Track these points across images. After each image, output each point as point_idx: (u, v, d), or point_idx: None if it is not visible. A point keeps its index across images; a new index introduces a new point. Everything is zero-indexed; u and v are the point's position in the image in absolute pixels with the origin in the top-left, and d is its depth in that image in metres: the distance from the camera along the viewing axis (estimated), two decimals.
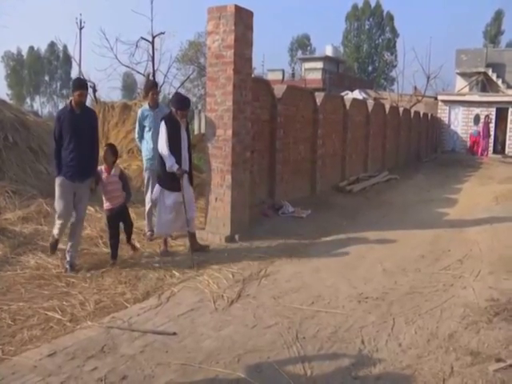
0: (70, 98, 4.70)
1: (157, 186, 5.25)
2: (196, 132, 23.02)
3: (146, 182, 6.00)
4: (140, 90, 16.94)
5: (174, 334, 3.33)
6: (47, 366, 2.86)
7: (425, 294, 4.25)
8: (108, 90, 67.70)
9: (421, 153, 18.76)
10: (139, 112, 5.94)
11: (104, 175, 4.89)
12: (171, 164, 4.97)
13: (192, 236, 5.27)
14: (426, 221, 7.44)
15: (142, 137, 5.93)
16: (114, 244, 4.87)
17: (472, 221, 7.27)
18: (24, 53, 75.09)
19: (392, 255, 5.48)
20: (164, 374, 2.83)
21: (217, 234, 5.79)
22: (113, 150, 5.00)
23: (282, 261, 5.18)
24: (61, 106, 77.50)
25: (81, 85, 4.67)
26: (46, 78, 77.36)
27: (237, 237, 5.83)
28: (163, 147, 4.99)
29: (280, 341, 3.27)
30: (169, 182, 5.06)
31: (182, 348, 3.14)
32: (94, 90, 13.54)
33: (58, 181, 4.62)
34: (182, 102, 5.18)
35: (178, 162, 5.05)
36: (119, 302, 3.86)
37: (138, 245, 5.43)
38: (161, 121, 5.11)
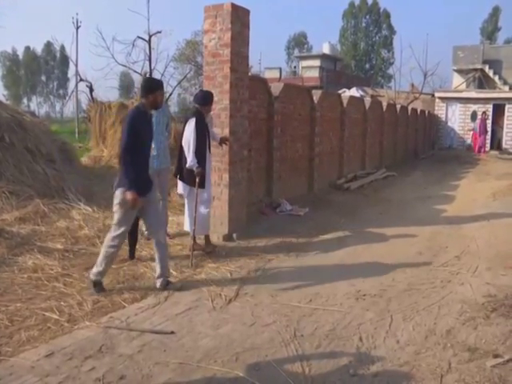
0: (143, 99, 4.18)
1: (185, 186, 5.19)
2: None
3: None
4: (137, 89, 16.89)
5: (172, 333, 3.33)
6: (45, 366, 2.86)
7: (422, 290, 4.25)
8: (105, 89, 67.48)
9: (418, 150, 18.78)
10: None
11: None
12: (193, 163, 4.95)
13: (206, 237, 5.38)
14: (423, 217, 7.45)
15: None
16: (132, 245, 4.83)
17: (469, 217, 7.29)
18: (19, 53, 74.93)
19: (390, 252, 5.49)
20: (162, 373, 2.83)
21: (214, 233, 5.78)
22: None
23: (279, 259, 5.18)
24: (57, 106, 77.58)
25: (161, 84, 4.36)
26: (43, 78, 77.22)
27: (234, 235, 5.83)
28: (190, 145, 4.97)
29: (278, 339, 3.27)
30: (192, 178, 5.05)
31: (179, 347, 3.14)
32: (91, 90, 13.49)
33: None
34: (206, 97, 5.20)
35: (202, 161, 5.05)
36: (117, 301, 3.85)
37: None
38: (191, 117, 5.06)
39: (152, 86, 4.19)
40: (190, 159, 4.97)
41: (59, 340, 3.19)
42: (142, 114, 4.09)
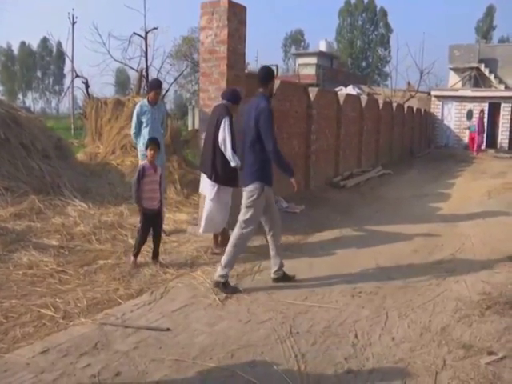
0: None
1: (211, 183, 5.06)
2: (190, 128, 22.98)
3: None
4: (133, 85, 16.84)
5: (168, 329, 3.33)
6: (40, 363, 2.85)
7: (418, 288, 4.27)
8: (101, 85, 67.29)
9: (414, 148, 18.83)
10: (138, 107, 5.82)
11: (150, 171, 4.68)
12: (237, 161, 4.83)
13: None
14: (419, 215, 7.47)
15: (138, 132, 5.83)
16: (140, 245, 4.72)
17: (465, 215, 7.32)
18: (15, 48, 74.45)
19: (385, 250, 5.50)
20: (158, 369, 2.83)
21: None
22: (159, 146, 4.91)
23: None
24: (53, 102, 77.21)
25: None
26: (39, 73, 76.78)
27: (230, 232, 5.81)
28: (227, 144, 4.88)
29: (274, 336, 3.28)
30: (228, 177, 5.02)
31: (175, 344, 3.14)
32: (87, 86, 13.41)
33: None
34: (237, 96, 5.20)
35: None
36: (113, 298, 3.85)
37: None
38: (225, 117, 4.91)
39: (269, 75, 4.27)
40: (233, 158, 4.88)
41: (54, 336, 3.18)
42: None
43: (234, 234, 4.22)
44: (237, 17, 5.77)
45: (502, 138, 20.87)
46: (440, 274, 4.67)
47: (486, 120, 20.29)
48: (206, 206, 5.14)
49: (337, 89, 20.32)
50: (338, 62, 45.05)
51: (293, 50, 63.52)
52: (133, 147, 8.99)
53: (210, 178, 5.05)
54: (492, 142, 20.90)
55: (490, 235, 6.12)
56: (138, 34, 14.63)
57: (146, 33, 14.55)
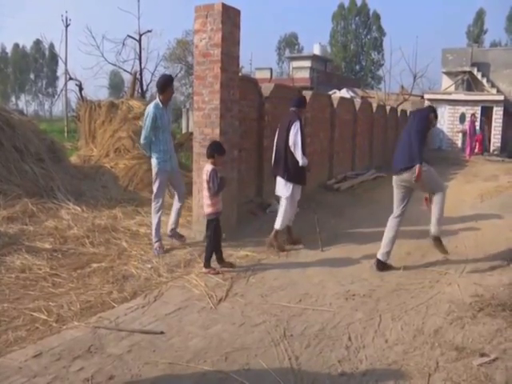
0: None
1: (285, 183, 5.61)
2: (184, 131, 22.95)
3: (158, 186, 5.37)
4: (127, 88, 16.80)
5: (162, 333, 3.32)
6: (33, 367, 2.83)
7: (411, 290, 4.30)
8: (94, 88, 67.09)
9: None
10: (153, 108, 5.20)
11: (218, 175, 4.68)
12: (305, 161, 5.52)
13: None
14: (412, 218, 7.49)
15: (152, 138, 5.28)
16: (213, 251, 4.71)
17: (457, 218, 7.36)
18: (8, 50, 74.09)
19: None
20: (151, 373, 2.82)
21: (204, 233, 5.76)
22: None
23: (269, 259, 5.20)
24: (46, 104, 76.81)
25: None
26: (32, 76, 76.43)
27: (224, 235, 5.79)
28: (298, 144, 5.48)
29: (267, 338, 3.28)
30: (298, 176, 5.65)
31: (169, 347, 3.13)
32: (80, 89, 13.39)
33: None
34: (304, 101, 6.02)
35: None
36: (106, 301, 3.84)
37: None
38: (295, 120, 5.54)
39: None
40: (302, 158, 5.50)
41: (47, 340, 3.17)
42: None
43: None
44: (231, 20, 5.79)
45: (494, 141, 21.02)
46: (433, 276, 4.70)
47: (478, 123, 20.43)
48: (282, 203, 5.68)
49: (331, 92, 20.39)
50: (332, 66, 45.27)
51: (287, 53, 63.70)
52: (127, 150, 8.98)
53: (282, 177, 5.62)
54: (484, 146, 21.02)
55: (482, 238, 6.16)
56: (132, 37, 14.68)
57: (140, 36, 14.59)
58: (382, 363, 2.99)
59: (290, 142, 5.50)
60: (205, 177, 4.66)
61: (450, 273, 4.79)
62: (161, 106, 5.27)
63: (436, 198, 4.91)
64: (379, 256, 4.89)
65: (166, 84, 5.33)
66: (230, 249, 5.44)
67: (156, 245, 5.26)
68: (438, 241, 4.92)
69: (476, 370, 2.88)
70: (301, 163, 5.52)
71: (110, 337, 3.24)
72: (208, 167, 4.67)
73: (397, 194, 5.02)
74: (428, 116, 5.08)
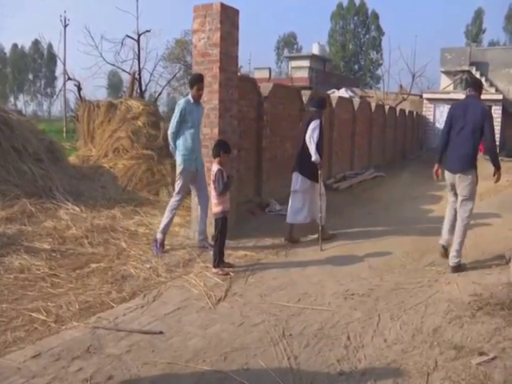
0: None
1: (302, 179, 5.87)
2: None
3: (180, 186, 5.29)
4: (126, 88, 16.78)
5: (161, 333, 3.32)
6: (31, 367, 2.83)
7: (410, 289, 4.30)
8: (93, 88, 67.01)
9: (406, 150, 18.94)
10: (183, 103, 5.18)
11: (225, 174, 4.67)
12: (317, 158, 5.73)
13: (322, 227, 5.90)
14: (411, 217, 7.52)
15: (178, 133, 5.22)
16: (222, 251, 4.75)
17: None
18: (6, 50, 73.99)
19: (377, 251, 5.53)
20: (150, 373, 2.82)
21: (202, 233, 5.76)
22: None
23: (268, 259, 5.20)
24: (45, 104, 76.75)
25: None
26: (30, 76, 76.33)
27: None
28: (314, 140, 5.70)
29: (267, 338, 3.28)
30: (311, 172, 5.84)
31: (168, 347, 3.13)
32: (79, 89, 13.37)
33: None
34: (324, 102, 6.23)
35: (321, 156, 5.85)
36: (105, 301, 3.83)
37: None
38: (316, 118, 5.78)
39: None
40: (315, 154, 5.69)
41: (46, 341, 3.16)
42: None
43: None
44: (229, 20, 5.78)
45: None
46: (432, 275, 4.70)
47: None
48: (300, 199, 5.91)
49: (329, 92, 20.41)
50: (331, 65, 45.32)
51: (285, 52, 63.69)
52: (125, 150, 8.98)
53: (301, 173, 5.86)
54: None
55: (481, 237, 6.17)
56: (130, 37, 14.63)
57: (139, 35, 14.54)
58: (381, 362, 2.99)
59: (307, 137, 5.72)
60: (212, 176, 4.68)
61: (449, 272, 4.79)
62: (192, 101, 5.23)
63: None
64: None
65: (193, 80, 5.31)
66: (228, 248, 5.43)
67: (159, 239, 5.21)
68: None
69: (475, 369, 2.89)
70: (313, 158, 5.70)
71: (109, 337, 3.24)
72: (214, 167, 4.68)
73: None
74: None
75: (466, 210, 4.88)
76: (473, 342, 3.24)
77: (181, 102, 5.24)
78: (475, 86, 5.16)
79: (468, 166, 4.86)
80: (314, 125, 5.73)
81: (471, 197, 4.87)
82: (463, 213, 4.89)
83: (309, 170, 5.82)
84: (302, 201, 5.93)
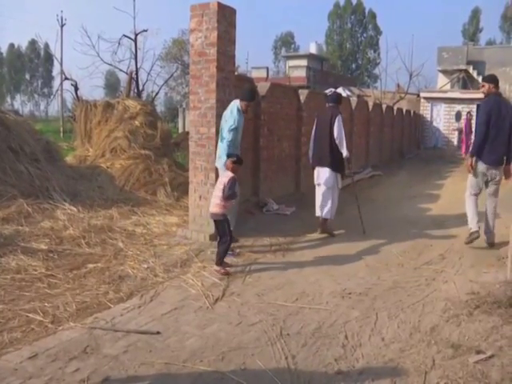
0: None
1: (331, 173, 6.10)
2: (180, 130, 22.91)
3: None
4: (123, 88, 16.76)
5: (158, 333, 3.31)
6: (28, 368, 2.82)
7: (407, 288, 4.30)
8: (90, 88, 66.83)
9: (404, 149, 18.95)
10: (239, 114, 5.30)
11: (237, 184, 4.80)
12: (347, 153, 6.08)
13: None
14: (408, 216, 7.53)
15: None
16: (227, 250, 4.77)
17: (453, 216, 7.37)
18: (3, 50, 73.77)
19: (375, 251, 5.54)
20: (148, 373, 2.81)
21: (201, 233, 5.77)
22: None
23: (266, 258, 5.20)
24: (42, 104, 76.54)
25: None
26: (27, 76, 76.12)
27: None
28: (343, 138, 6.02)
29: (264, 338, 3.28)
30: (342, 168, 6.21)
31: (165, 347, 3.13)
32: (76, 89, 13.35)
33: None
34: (340, 97, 6.56)
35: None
36: (102, 302, 3.82)
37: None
38: (338, 115, 6.07)
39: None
40: (345, 150, 6.01)
41: (43, 341, 3.15)
42: None
43: None
44: (226, 19, 5.78)
45: None
46: (429, 274, 4.71)
47: (474, 121, 20.48)
48: (327, 194, 6.15)
49: (327, 91, 20.41)
50: (328, 65, 45.33)
51: (283, 52, 63.70)
52: (123, 150, 8.96)
53: (330, 167, 6.06)
54: None
55: None
56: (127, 37, 14.63)
57: (136, 35, 14.54)
58: (379, 361, 2.99)
59: (335, 135, 5.98)
60: (225, 179, 4.70)
61: (447, 270, 4.80)
62: (241, 110, 5.37)
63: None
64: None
65: (249, 95, 5.46)
66: None
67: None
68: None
69: (472, 368, 2.89)
70: (344, 155, 6.03)
71: (106, 337, 3.23)
72: (229, 173, 4.76)
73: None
74: None
75: (498, 195, 5.62)
76: (470, 341, 3.24)
77: (235, 112, 5.29)
78: (496, 82, 5.52)
79: (502, 160, 5.46)
80: (338, 122, 6.01)
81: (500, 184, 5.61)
82: (495, 197, 5.58)
83: (339, 165, 6.13)
84: (330, 195, 6.18)
